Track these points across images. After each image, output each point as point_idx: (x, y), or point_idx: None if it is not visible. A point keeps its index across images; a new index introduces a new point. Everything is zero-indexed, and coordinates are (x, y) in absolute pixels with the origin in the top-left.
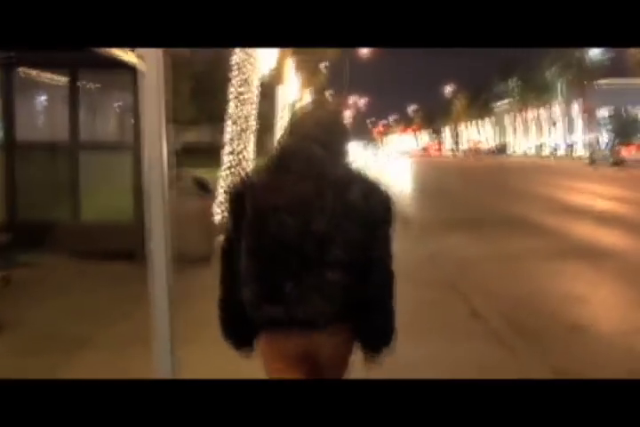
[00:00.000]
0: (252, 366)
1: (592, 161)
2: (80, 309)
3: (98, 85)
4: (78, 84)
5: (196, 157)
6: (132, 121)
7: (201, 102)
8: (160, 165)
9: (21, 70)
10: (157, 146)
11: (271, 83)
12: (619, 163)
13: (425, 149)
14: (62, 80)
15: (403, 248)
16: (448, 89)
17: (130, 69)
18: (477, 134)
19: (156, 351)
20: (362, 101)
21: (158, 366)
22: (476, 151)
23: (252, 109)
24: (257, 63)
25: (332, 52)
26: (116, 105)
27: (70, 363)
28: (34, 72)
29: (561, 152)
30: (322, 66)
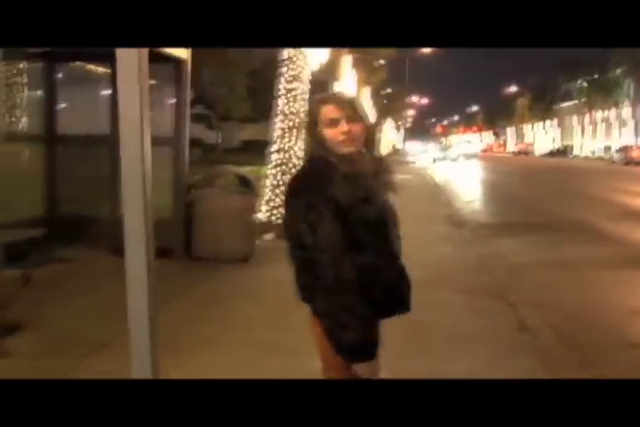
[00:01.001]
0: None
1: None
2: (107, 308)
3: None
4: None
5: (252, 155)
6: (173, 114)
7: (258, 100)
8: (139, 158)
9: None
10: (135, 136)
11: (326, 79)
12: None
13: (486, 151)
14: (104, 72)
15: (452, 252)
16: (511, 89)
17: (169, 61)
18: (543, 135)
19: (133, 353)
20: (422, 101)
21: (136, 368)
22: (525, 154)
23: (302, 106)
24: (307, 59)
25: (390, 51)
26: (154, 97)
27: (79, 368)
28: (77, 64)
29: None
30: (380, 64)
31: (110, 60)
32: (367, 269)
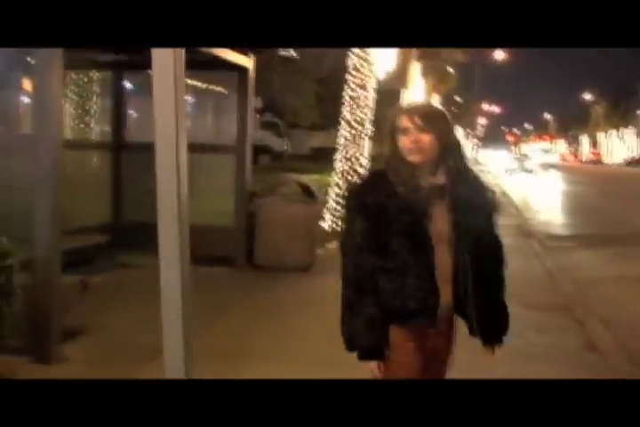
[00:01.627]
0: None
1: None
2: (154, 314)
3: (200, 85)
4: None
5: (321, 162)
6: (236, 122)
7: (326, 107)
8: (173, 163)
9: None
10: (171, 143)
11: (394, 87)
12: None
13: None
14: None
15: (518, 265)
16: (586, 96)
17: (233, 69)
18: (618, 143)
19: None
20: (493, 109)
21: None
22: (594, 163)
23: (366, 114)
24: (373, 67)
25: (460, 57)
26: (217, 106)
27: (136, 375)
28: (146, 73)
29: None
30: (451, 70)
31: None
32: (388, 275)
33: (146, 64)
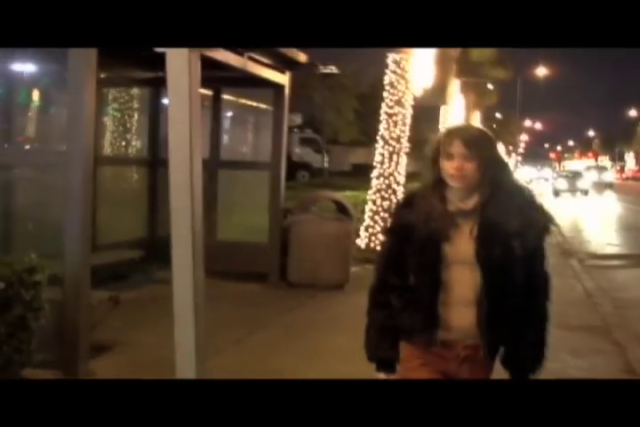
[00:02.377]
0: None
1: None
2: None
3: (237, 101)
4: (220, 101)
5: (362, 179)
6: (271, 139)
7: (366, 123)
8: (187, 175)
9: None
10: (184, 154)
11: (433, 103)
12: None
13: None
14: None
15: (556, 284)
16: (631, 112)
17: (269, 86)
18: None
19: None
20: (536, 126)
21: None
22: (634, 180)
23: (402, 131)
24: (409, 83)
25: (501, 73)
26: (253, 122)
27: None
28: None
29: None
30: (491, 87)
31: (212, 85)
32: (399, 291)
33: None
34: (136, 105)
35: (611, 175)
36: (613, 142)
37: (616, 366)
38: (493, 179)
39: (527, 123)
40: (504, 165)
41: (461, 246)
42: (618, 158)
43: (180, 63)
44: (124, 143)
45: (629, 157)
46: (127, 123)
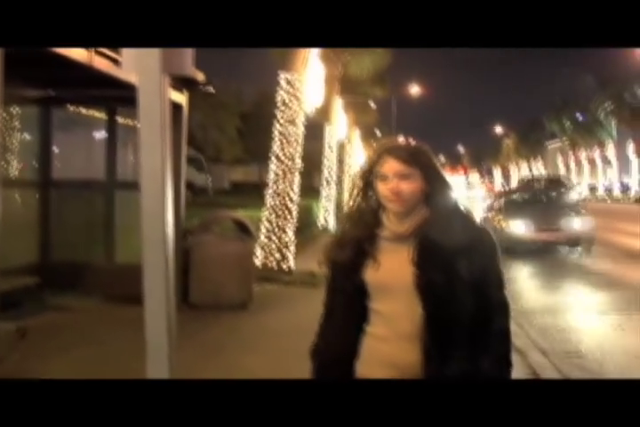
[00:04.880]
0: None
1: None
2: (100, 360)
3: (134, 122)
4: (115, 121)
5: (243, 197)
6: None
7: (248, 142)
8: (160, 201)
9: (67, 107)
10: (157, 180)
11: (319, 122)
12: None
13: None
14: (100, 117)
15: None
16: (497, 129)
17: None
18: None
19: None
20: (410, 141)
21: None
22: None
23: (297, 149)
24: (302, 103)
25: (379, 92)
26: None
27: None
28: (73, 109)
29: (616, 193)
30: (370, 105)
31: (106, 105)
32: (325, 317)
33: (76, 99)
34: (22, 125)
35: (480, 193)
36: (482, 157)
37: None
38: (433, 197)
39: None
40: (444, 181)
41: (397, 273)
42: (486, 173)
43: (151, 86)
44: (12, 164)
45: (497, 172)
46: (13, 143)
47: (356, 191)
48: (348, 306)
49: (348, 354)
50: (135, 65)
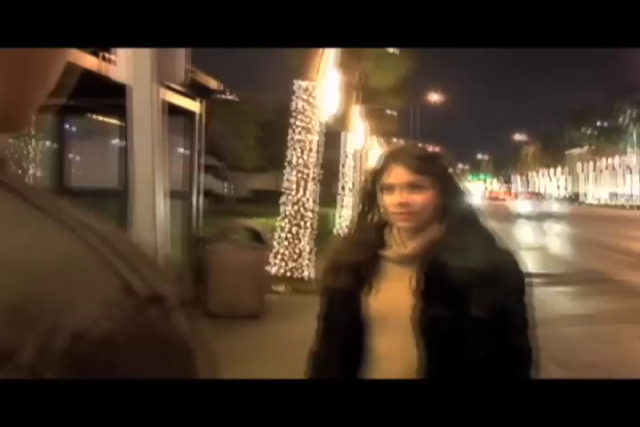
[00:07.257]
0: None
1: None
2: None
3: None
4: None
5: (262, 205)
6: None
7: (267, 150)
8: (151, 209)
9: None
10: (147, 188)
11: (337, 130)
12: None
13: (493, 198)
14: (114, 125)
15: None
16: (518, 137)
17: (180, 114)
18: (548, 182)
19: None
20: (420, 146)
21: None
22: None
23: (312, 157)
24: (318, 110)
25: (398, 100)
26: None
27: None
28: (87, 117)
29: (637, 201)
30: (390, 113)
31: (119, 113)
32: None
33: (89, 108)
34: (39, 133)
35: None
36: (503, 165)
37: None
38: (448, 212)
39: (411, 143)
40: (461, 193)
41: (397, 303)
42: (505, 181)
43: (142, 96)
44: (27, 172)
45: (516, 180)
46: (29, 151)
47: (362, 203)
48: (339, 349)
49: None
50: (126, 74)
